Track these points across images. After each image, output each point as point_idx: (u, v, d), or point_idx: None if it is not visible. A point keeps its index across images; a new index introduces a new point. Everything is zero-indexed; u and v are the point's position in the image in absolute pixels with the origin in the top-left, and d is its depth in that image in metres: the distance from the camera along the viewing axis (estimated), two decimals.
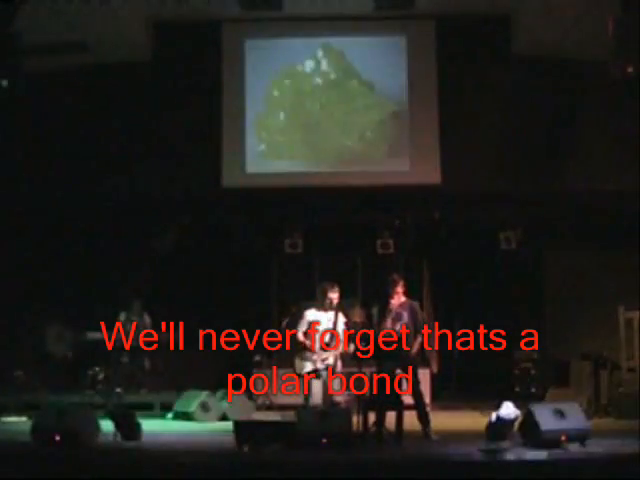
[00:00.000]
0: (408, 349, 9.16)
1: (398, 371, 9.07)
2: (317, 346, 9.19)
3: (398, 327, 9.24)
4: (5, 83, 9.03)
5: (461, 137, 12.19)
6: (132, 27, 11.82)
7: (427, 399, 10.57)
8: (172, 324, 12.42)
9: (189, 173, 12.29)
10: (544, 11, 10.97)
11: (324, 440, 7.88)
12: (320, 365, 9.11)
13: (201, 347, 12.92)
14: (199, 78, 12.38)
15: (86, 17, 10.92)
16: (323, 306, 9.33)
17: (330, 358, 9.14)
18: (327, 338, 9.19)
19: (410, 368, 9.23)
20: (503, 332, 13.17)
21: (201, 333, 12.94)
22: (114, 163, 12.22)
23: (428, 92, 12.36)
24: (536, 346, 12.99)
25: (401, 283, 9.40)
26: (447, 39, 12.29)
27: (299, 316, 9.56)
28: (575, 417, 8.08)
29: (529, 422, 8.04)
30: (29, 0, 9.49)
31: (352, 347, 8.99)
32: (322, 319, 9.29)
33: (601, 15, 9.52)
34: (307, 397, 9.17)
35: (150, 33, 12.40)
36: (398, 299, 9.32)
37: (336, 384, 9.18)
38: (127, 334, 12.26)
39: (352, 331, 9.47)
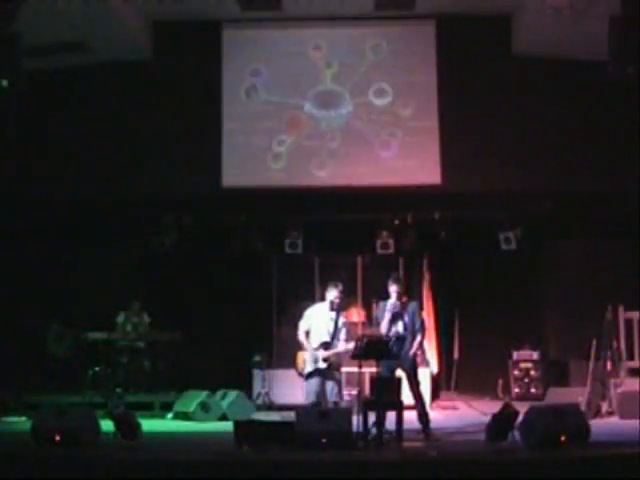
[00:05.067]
0: (408, 349, 9.18)
1: (398, 371, 9.09)
2: (318, 345, 9.18)
3: (398, 327, 9.25)
4: (5, 83, 9.02)
5: (461, 137, 12.19)
6: (132, 27, 11.81)
7: (427, 399, 10.58)
8: (171, 324, 12.43)
9: (189, 173, 12.28)
10: (543, 11, 10.95)
11: (324, 440, 7.89)
12: (320, 364, 9.11)
13: (201, 347, 12.91)
14: (199, 78, 12.37)
15: (86, 17, 10.91)
16: (325, 305, 9.33)
17: (330, 357, 9.14)
18: (328, 338, 9.19)
19: (410, 368, 9.25)
20: (503, 332, 13.18)
21: (201, 333, 12.93)
22: (114, 163, 12.21)
23: (428, 91, 12.36)
24: (536, 346, 13.00)
25: (401, 283, 9.41)
26: (447, 39, 12.29)
27: (300, 315, 9.57)
28: (575, 417, 8.09)
29: (529, 422, 8.05)
30: (29, 0, 9.47)
31: (352, 347, 9.00)
32: (323, 318, 9.29)
33: (601, 15, 9.51)
34: (307, 397, 9.16)
35: (150, 33, 12.40)
36: (398, 299, 9.33)
37: (336, 384, 9.17)
38: (126, 334, 12.28)
39: (351, 331, 9.49)
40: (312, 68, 12.57)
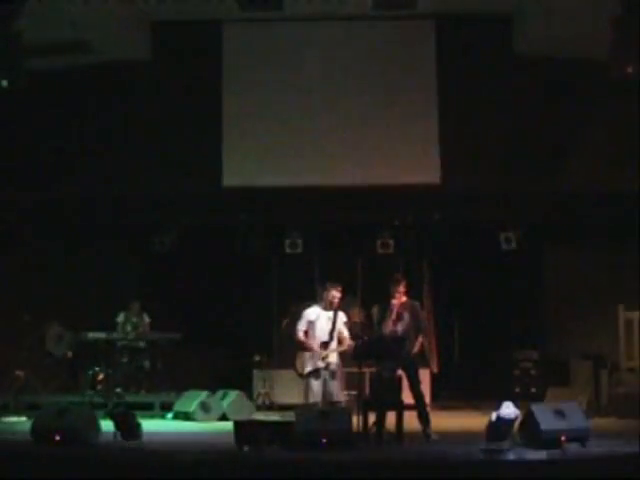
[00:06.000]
0: (409, 349, 9.18)
1: (399, 371, 9.09)
2: (317, 345, 9.19)
3: (399, 327, 9.25)
4: (5, 83, 9.02)
5: (461, 137, 12.18)
6: (132, 27, 11.80)
7: (427, 399, 10.58)
8: (171, 324, 12.43)
9: (189, 173, 12.27)
10: (544, 11, 10.95)
11: (324, 440, 7.88)
12: (320, 364, 9.11)
13: (201, 347, 12.92)
14: (199, 78, 12.36)
15: (86, 17, 10.90)
16: (324, 305, 9.34)
17: (330, 357, 9.14)
18: (326, 337, 9.19)
19: (411, 368, 9.25)
20: (503, 332, 13.18)
21: (201, 333, 12.93)
22: (114, 163, 12.21)
23: (428, 92, 12.35)
24: (536, 346, 13.01)
25: (403, 283, 9.42)
26: (447, 39, 12.28)
27: (299, 315, 9.57)
28: (575, 417, 8.09)
29: (529, 422, 8.05)
30: (29, 0, 9.47)
31: (352, 346, 9.00)
32: (322, 318, 9.29)
33: (601, 15, 9.51)
34: (307, 397, 9.16)
35: (150, 33, 12.39)
36: (400, 299, 9.33)
37: (336, 384, 9.17)
38: (126, 334, 12.29)
39: (352, 331, 9.49)
40: (312, 68, 12.56)
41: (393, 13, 12.09)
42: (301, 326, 9.36)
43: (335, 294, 9.29)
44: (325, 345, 9.17)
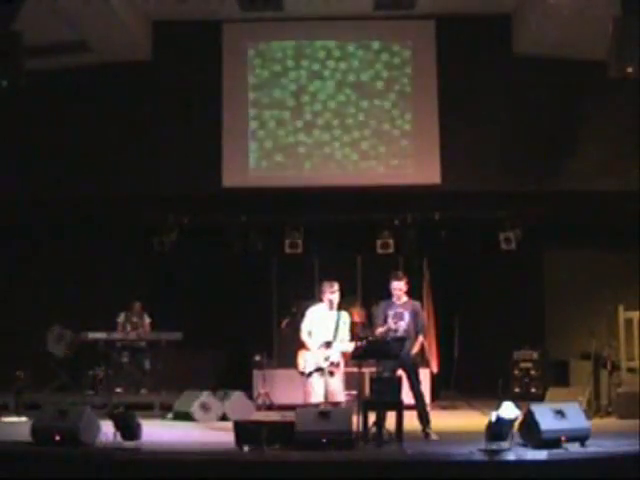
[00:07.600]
0: (409, 349, 9.17)
1: (399, 371, 9.09)
2: (320, 345, 9.18)
3: (400, 327, 9.24)
4: (5, 83, 9.01)
5: (461, 137, 12.19)
6: (132, 27, 11.81)
7: (427, 399, 10.58)
8: (171, 324, 12.43)
9: (189, 173, 12.28)
10: (544, 11, 10.96)
11: (324, 440, 7.88)
12: (322, 364, 9.11)
13: (201, 347, 12.91)
14: (199, 78, 12.37)
15: (86, 17, 10.91)
16: (325, 305, 9.33)
17: (332, 357, 9.14)
18: (329, 337, 9.19)
19: (411, 368, 9.24)
20: (503, 332, 13.18)
21: (201, 333, 12.93)
22: (113, 163, 12.21)
23: (428, 92, 12.36)
24: (536, 346, 13.01)
25: (404, 280, 9.40)
26: (447, 39, 12.29)
27: (302, 315, 9.57)
28: (575, 417, 8.09)
29: (529, 422, 8.04)
30: (29, 0, 9.47)
31: (353, 346, 9.00)
32: (326, 318, 9.29)
33: (601, 15, 9.52)
34: (309, 396, 9.16)
35: (150, 33, 12.40)
36: (400, 297, 9.31)
37: (338, 383, 9.17)
38: (126, 334, 12.29)
39: (352, 331, 9.49)
40: (312, 68, 12.57)
41: (393, 13, 12.11)
42: (305, 326, 9.36)
43: (330, 292, 9.26)
44: (328, 344, 9.16)
